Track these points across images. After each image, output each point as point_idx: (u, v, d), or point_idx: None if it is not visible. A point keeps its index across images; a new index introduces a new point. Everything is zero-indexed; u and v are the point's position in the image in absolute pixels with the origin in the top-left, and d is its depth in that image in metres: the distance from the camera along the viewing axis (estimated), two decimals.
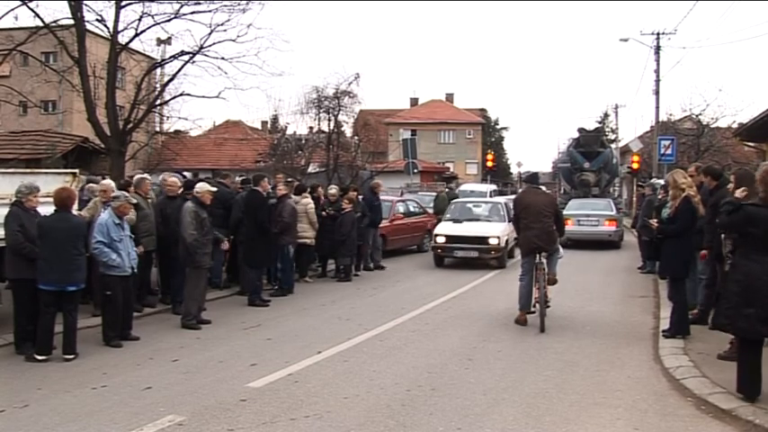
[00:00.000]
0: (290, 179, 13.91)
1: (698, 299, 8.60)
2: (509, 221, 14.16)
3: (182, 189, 9.98)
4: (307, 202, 12.24)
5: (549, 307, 8.72)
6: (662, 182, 14.56)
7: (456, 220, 15.68)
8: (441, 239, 15.08)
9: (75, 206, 8.01)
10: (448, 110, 58.88)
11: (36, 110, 24.47)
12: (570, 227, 17.08)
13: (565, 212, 16.52)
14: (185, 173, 12.51)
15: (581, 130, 29.35)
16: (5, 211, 7.43)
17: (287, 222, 11.00)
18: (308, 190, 13.12)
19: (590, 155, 26.91)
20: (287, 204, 11.17)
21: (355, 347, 7.58)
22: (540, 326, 8.40)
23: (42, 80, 16.88)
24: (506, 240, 14.87)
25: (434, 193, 26.36)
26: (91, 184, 9.74)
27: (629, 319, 9.38)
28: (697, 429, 5.12)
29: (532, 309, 8.72)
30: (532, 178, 10.00)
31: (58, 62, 20.65)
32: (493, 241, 14.64)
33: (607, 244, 18.96)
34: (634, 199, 30.70)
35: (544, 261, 8.73)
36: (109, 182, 9.20)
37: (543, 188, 10.18)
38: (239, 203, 10.82)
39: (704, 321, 8.20)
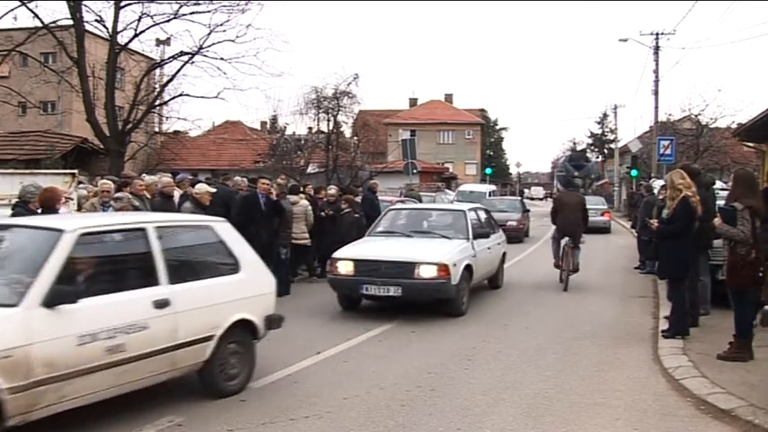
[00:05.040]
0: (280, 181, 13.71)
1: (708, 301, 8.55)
2: None
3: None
4: (305, 204, 12.21)
5: (576, 271, 11.80)
6: (660, 182, 14.66)
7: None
8: None
9: (74, 206, 8.01)
10: (447, 110, 58.88)
11: (35, 110, 24.54)
12: None
13: None
14: (172, 173, 12.43)
15: (572, 150, 49.11)
16: (5, 212, 7.44)
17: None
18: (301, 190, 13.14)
19: (578, 167, 43.87)
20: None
21: (355, 347, 7.58)
22: (564, 285, 11.42)
23: (41, 81, 16.92)
24: None
25: (433, 194, 26.42)
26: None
27: (628, 319, 9.38)
28: (696, 429, 5.12)
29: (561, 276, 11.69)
30: (569, 184, 14.67)
31: (57, 63, 20.68)
32: None
33: (602, 230, 24.36)
34: None
35: (569, 240, 11.69)
36: (107, 182, 9.17)
37: (581, 190, 13.41)
38: (237, 203, 10.83)
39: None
